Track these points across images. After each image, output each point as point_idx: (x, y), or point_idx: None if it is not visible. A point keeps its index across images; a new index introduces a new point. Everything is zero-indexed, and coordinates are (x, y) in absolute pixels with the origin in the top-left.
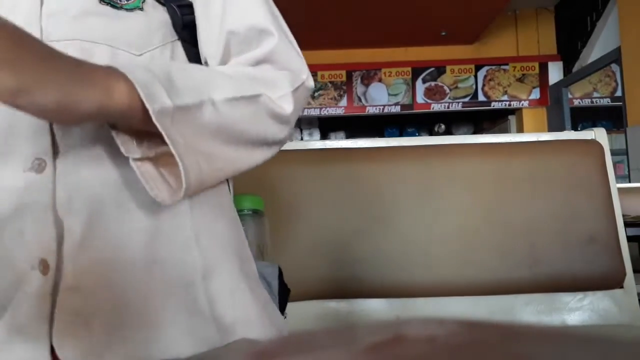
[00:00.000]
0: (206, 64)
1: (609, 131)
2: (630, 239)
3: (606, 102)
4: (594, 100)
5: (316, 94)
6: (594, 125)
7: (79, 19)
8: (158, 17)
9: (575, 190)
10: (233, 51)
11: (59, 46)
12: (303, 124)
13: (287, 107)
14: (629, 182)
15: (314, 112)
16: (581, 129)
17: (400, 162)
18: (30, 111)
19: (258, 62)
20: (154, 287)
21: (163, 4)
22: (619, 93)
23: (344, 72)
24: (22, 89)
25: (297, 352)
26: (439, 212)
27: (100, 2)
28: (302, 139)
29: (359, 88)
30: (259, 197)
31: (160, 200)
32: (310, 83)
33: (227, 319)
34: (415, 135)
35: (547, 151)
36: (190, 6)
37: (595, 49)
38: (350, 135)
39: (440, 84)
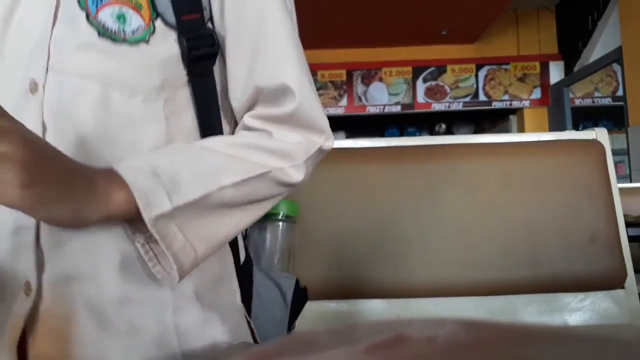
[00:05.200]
0: (229, 101)
1: (610, 131)
2: (631, 239)
3: (607, 101)
4: (595, 100)
5: None
6: (595, 125)
7: (78, 51)
8: (164, 52)
9: (576, 190)
10: (259, 102)
11: (56, 78)
12: None
13: (298, 175)
14: (630, 182)
15: None
16: (582, 129)
17: (401, 162)
18: (44, 221)
19: (280, 120)
20: (124, 323)
21: (175, 29)
22: (620, 93)
23: (344, 72)
24: (42, 207)
25: (297, 352)
26: (439, 212)
27: (99, 36)
28: None
29: (359, 88)
30: (294, 203)
31: (160, 277)
32: (328, 145)
33: (195, 353)
34: (416, 135)
35: (548, 151)
36: (210, 36)
37: (597, 49)
38: (350, 135)
39: (440, 83)
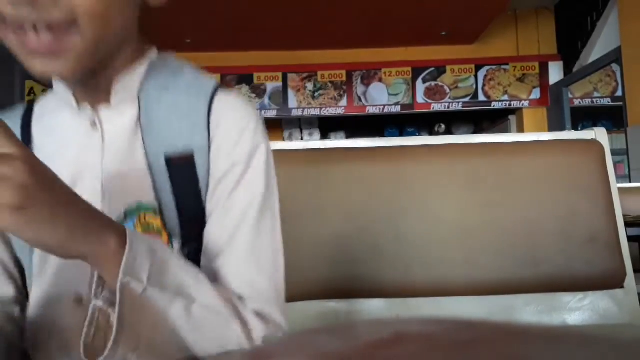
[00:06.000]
0: None
1: (609, 131)
2: (630, 238)
3: (606, 102)
4: (595, 100)
5: (316, 94)
6: (594, 125)
7: None
8: None
9: (576, 190)
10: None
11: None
12: (303, 123)
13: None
14: (630, 182)
15: (314, 112)
16: (581, 129)
17: (400, 162)
18: (32, 244)
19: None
20: None
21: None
22: (619, 93)
23: (344, 72)
24: (31, 229)
25: (296, 351)
26: (439, 212)
27: None
28: (302, 139)
29: (359, 88)
30: None
31: (82, 345)
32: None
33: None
34: (416, 135)
35: (548, 151)
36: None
37: (596, 49)
38: (350, 135)
39: (440, 83)
